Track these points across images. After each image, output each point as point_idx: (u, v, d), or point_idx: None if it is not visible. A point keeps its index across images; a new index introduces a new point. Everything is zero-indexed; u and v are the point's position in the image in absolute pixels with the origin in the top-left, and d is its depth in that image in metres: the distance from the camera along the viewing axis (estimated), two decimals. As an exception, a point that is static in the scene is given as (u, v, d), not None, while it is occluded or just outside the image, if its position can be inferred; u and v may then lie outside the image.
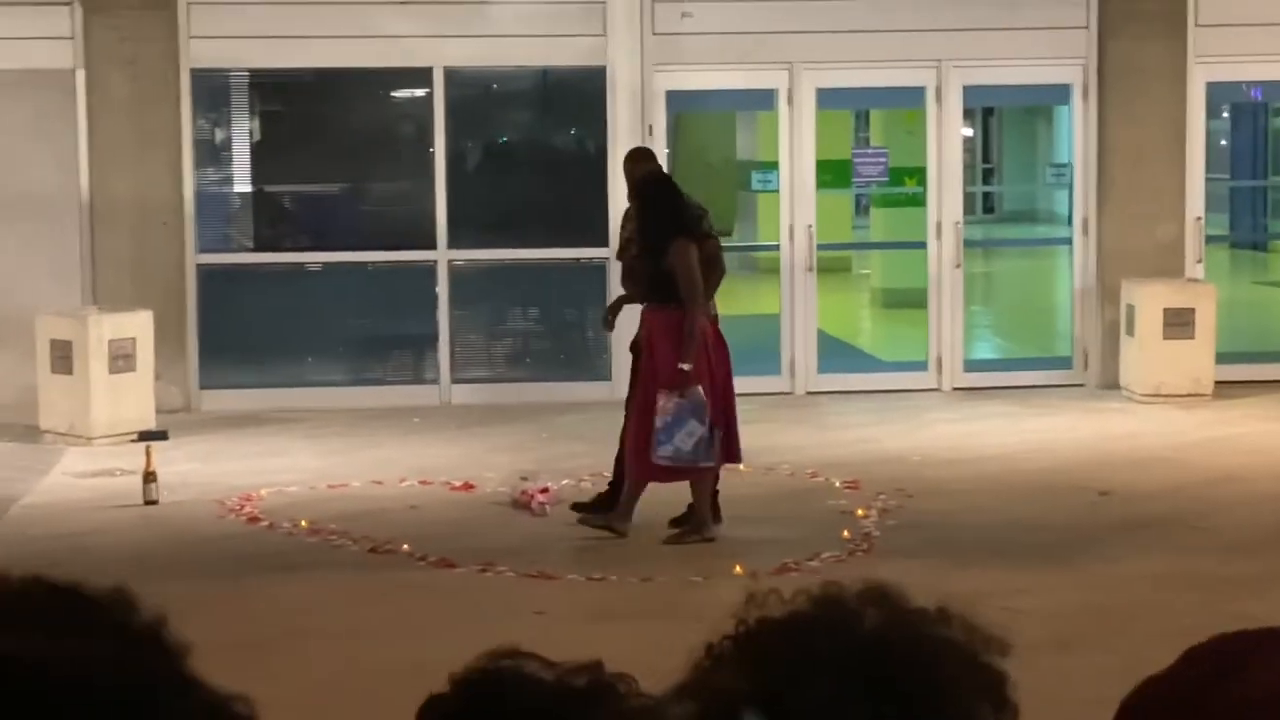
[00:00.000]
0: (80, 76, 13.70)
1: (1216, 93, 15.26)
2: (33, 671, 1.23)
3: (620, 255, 10.03)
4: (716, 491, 9.56)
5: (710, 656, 1.41)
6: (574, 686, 1.37)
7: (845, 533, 9.54)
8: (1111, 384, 14.14)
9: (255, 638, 7.72)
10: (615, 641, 7.51)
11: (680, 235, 9.21)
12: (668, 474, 9.32)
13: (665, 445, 9.11)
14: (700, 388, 9.15)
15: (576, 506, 9.75)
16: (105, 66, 13.69)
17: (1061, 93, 14.96)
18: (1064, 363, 14.84)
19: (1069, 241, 15.02)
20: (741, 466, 10.05)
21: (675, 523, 9.56)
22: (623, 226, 10.08)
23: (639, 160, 9.91)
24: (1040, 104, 23.95)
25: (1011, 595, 8.20)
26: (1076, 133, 14.72)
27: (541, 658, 1.40)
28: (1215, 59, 14.48)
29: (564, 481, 10.66)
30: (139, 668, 1.29)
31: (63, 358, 12.64)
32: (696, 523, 9.35)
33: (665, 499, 9.59)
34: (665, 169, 9.86)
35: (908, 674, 1.36)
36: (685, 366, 9.11)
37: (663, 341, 9.21)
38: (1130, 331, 13.93)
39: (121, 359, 12.71)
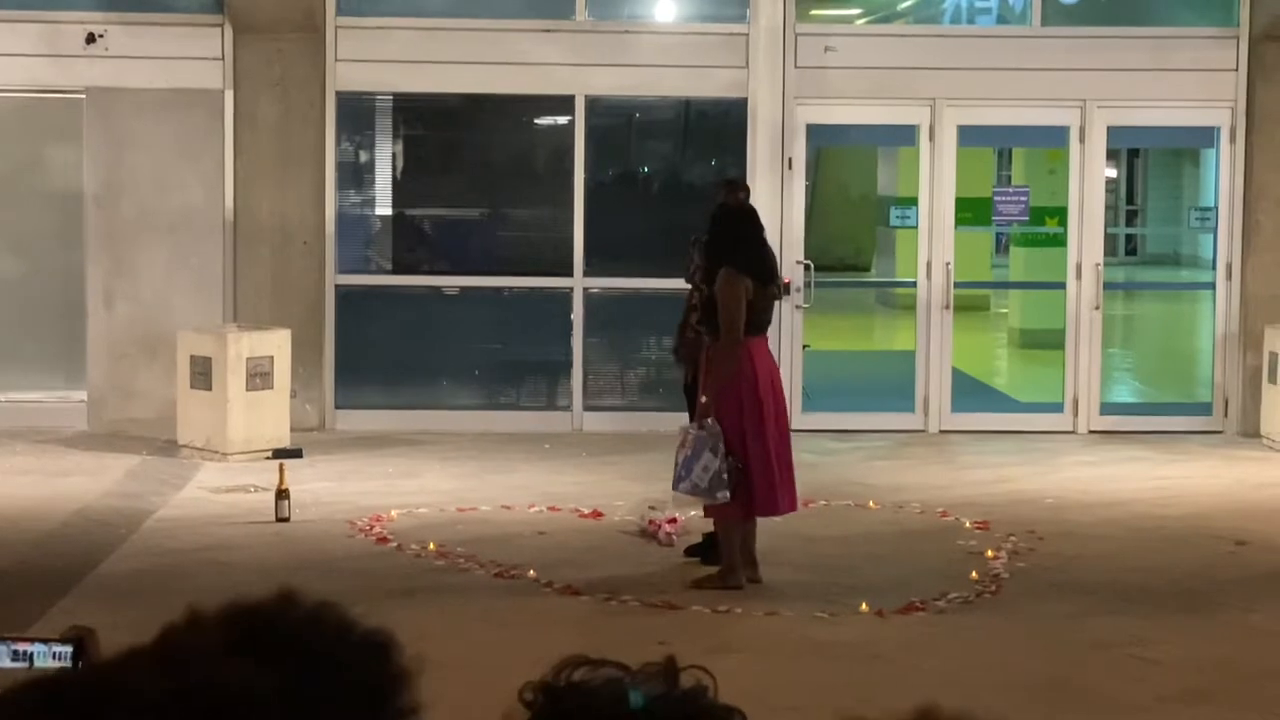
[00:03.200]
0: (229, 97, 13.91)
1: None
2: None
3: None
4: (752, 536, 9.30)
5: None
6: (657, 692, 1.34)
7: (974, 574, 9.44)
8: (1252, 432, 13.91)
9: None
10: (736, 676, 7.49)
11: (730, 265, 9.05)
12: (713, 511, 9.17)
13: (685, 480, 8.97)
14: (712, 420, 8.88)
15: (690, 551, 9.70)
16: (253, 88, 13.89)
17: (1208, 135, 14.76)
18: (1204, 409, 14.61)
19: (1211, 286, 14.80)
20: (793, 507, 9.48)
21: (691, 551, 9.54)
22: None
23: (728, 190, 9.85)
24: (1186, 146, 23.65)
25: (1142, 644, 8.08)
26: (1223, 176, 14.51)
27: (615, 661, 1.38)
28: (1368, 104, 14.22)
29: (692, 512, 10.63)
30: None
31: (202, 374, 12.82)
32: (723, 569, 9.07)
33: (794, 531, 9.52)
34: (749, 203, 9.79)
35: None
36: (703, 399, 8.98)
37: (709, 373, 9.10)
38: (1273, 379, 13.69)
39: (259, 377, 12.86)
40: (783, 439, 9.16)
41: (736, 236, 9.19)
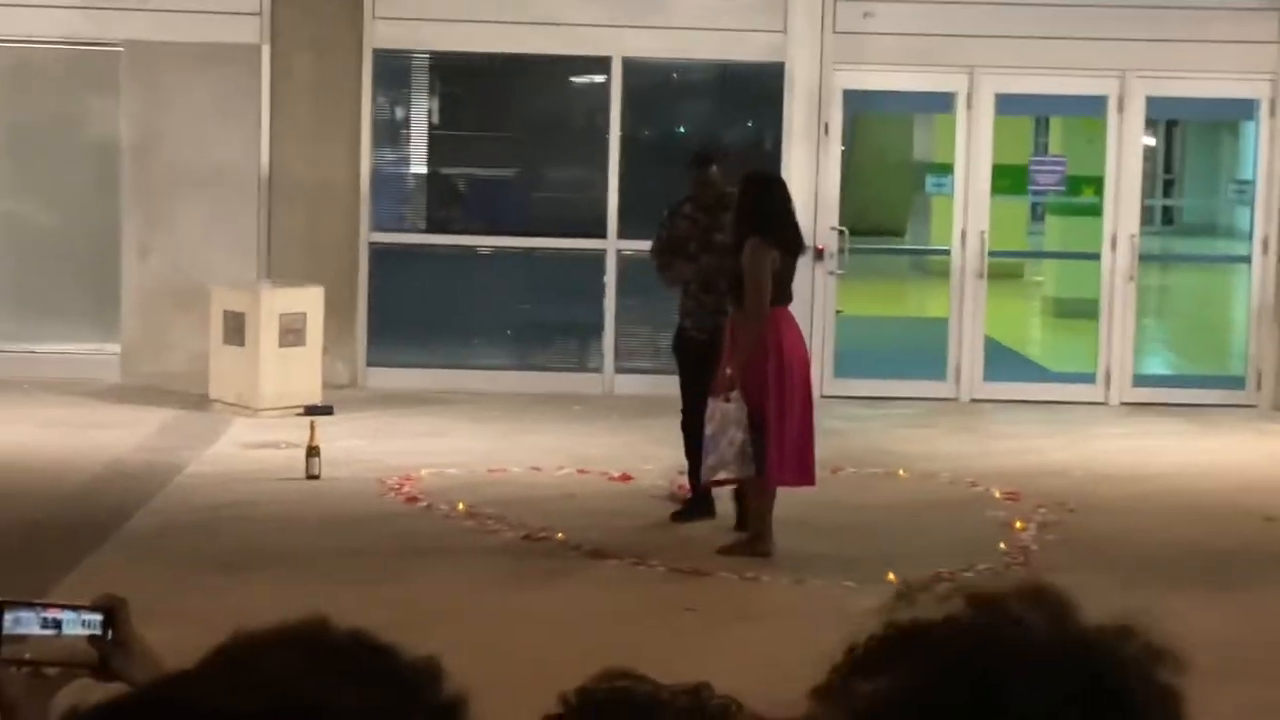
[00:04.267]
0: (265, 53, 13.90)
1: None
2: None
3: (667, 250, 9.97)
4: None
5: (853, 659, 1.32)
6: (687, 710, 1.33)
7: (1002, 545, 9.43)
8: (1285, 407, 13.85)
9: (404, 618, 7.77)
10: (762, 643, 7.50)
11: (757, 236, 9.00)
12: (721, 482, 9.21)
13: (712, 454, 8.96)
14: (738, 393, 8.86)
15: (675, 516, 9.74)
16: (290, 44, 13.88)
17: (1247, 107, 14.67)
18: (1237, 382, 14.55)
19: (1248, 259, 14.72)
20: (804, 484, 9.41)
21: (677, 515, 9.68)
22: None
23: (698, 163, 9.94)
24: (1225, 118, 23.50)
25: (1170, 618, 8.03)
26: (1261, 149, 14.42)
27: (650, 679, 1.36)
28: None
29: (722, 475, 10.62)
30: None
31: (235, 329, 12.85)
32: (753, 536, 9.09)
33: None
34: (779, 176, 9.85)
35: (1076, 689, 1.28)
36: (729, 371, 8.97)
37: (735, 345, 9.06)
38: (1307, 354, 13.62)
39: (291, 333, 12.89)
40: (805, 411, 9.14)
41: (761, 207, 9.14)
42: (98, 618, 2.15)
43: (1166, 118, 25.87)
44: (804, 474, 9.15)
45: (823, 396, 13.55)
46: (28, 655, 2.13)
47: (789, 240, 9.14)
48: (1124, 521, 10.15)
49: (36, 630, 2.15)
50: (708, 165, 9.99)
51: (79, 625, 2.15)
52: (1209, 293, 21.85)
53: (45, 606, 2.17)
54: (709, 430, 8.96)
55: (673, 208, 10.11)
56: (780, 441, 8.96)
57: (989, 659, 1.27)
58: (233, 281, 13.32)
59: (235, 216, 13.96)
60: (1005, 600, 1.31)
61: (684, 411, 9.89)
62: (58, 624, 2.15)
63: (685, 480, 10.03)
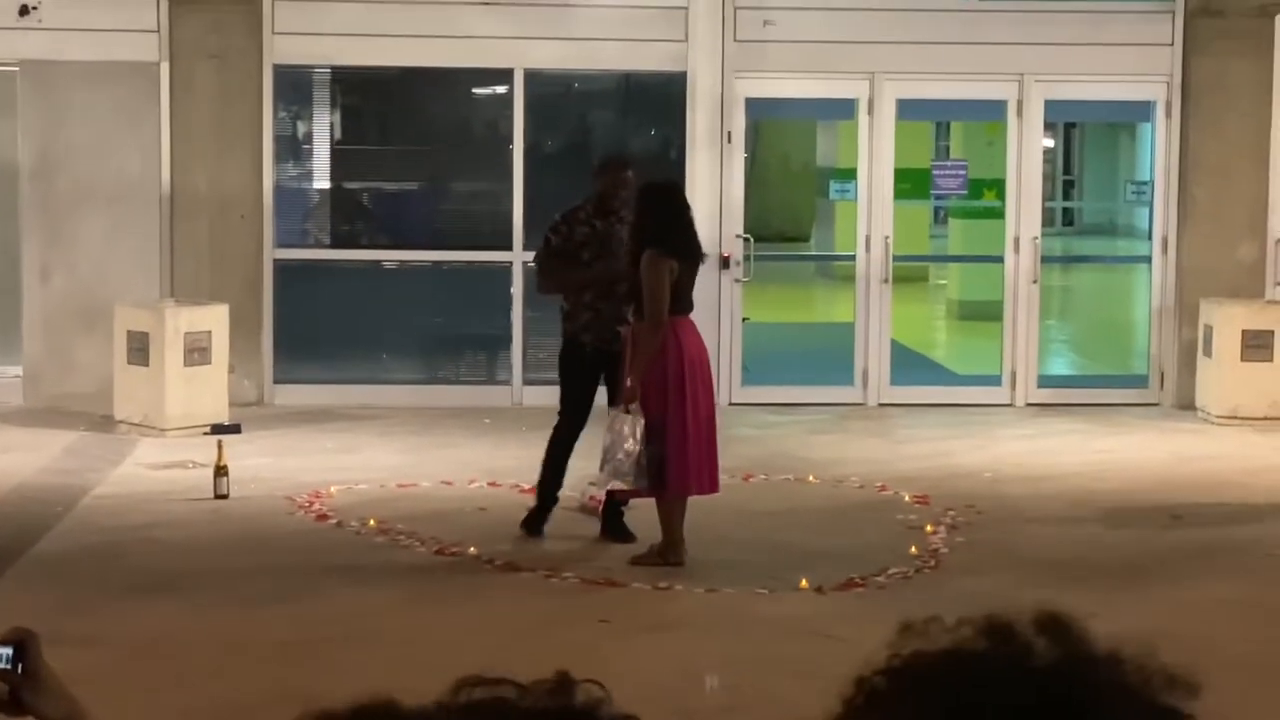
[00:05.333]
0: (164, 69, 13.80)
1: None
2: None
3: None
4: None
5: (863, 693, 1.32)
6: (548, 711, 1.33)
7: (913, 548, 9.48)
8: (1187, 404, 14.02)
9: (316, 636, 7.75)
10: (676, 653, 7.52)
11: (654, 247, 8.93)
12: (617, 493, 9.21)
13: (607, 465, 8.94)
14: (636, 405, 8.86)
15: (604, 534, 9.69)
16: (190, 60, 13.79)
17: (1144, 109, 14.85)
18: (1140, 381, 14.72)
19: (1148, 259, 14.90)
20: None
21: (604, 534, 9.61)
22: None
23: (601, 173, 9.87)
24: (1123, 120, 23.78)
25: (1081, 617, 8.13)
26: (1159, 150, 14.60)
27: (513, 681, 1.36)
28: (1302, 79, 14.33)
29: (624, 488, 10.63)
30: None
31: (139, 349, 12.74)
32: (663, 545, 9.05)
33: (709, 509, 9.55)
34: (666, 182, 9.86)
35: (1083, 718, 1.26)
36: (629, 381, 8.94)
37: (634, 356, 9.02)
38: (1208, 352, 13.81)
39: (197, 352, 12.79)
40: (709, 419, 9.14)
41: (659, 217, 9.10)
42: (7, 651, 2.13)
43: (1065, 120, 26.17)
44: (709, 482, 9.16)
45: (730, 404, 13.63)
46: None
47: (686, 249, 9.12)
48: (1032, 522, 10.24)
49: None
50: (626, 168, 9.90)
51: None
52: (1110, 293, 22.08)
53: None
54: (606, 441, 8.96)
55: (566, 214, 9.81)
56: (683, 450, 8.97)
57: (996, 690, 1.26)
58: (136, 301, 13.20)
59: (137, 235, 13.84)
60: (1014, 628, 1.30)
61: (566, 425, 9.74)
62: None
63: (598, 493, 9.99)
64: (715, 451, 9.23)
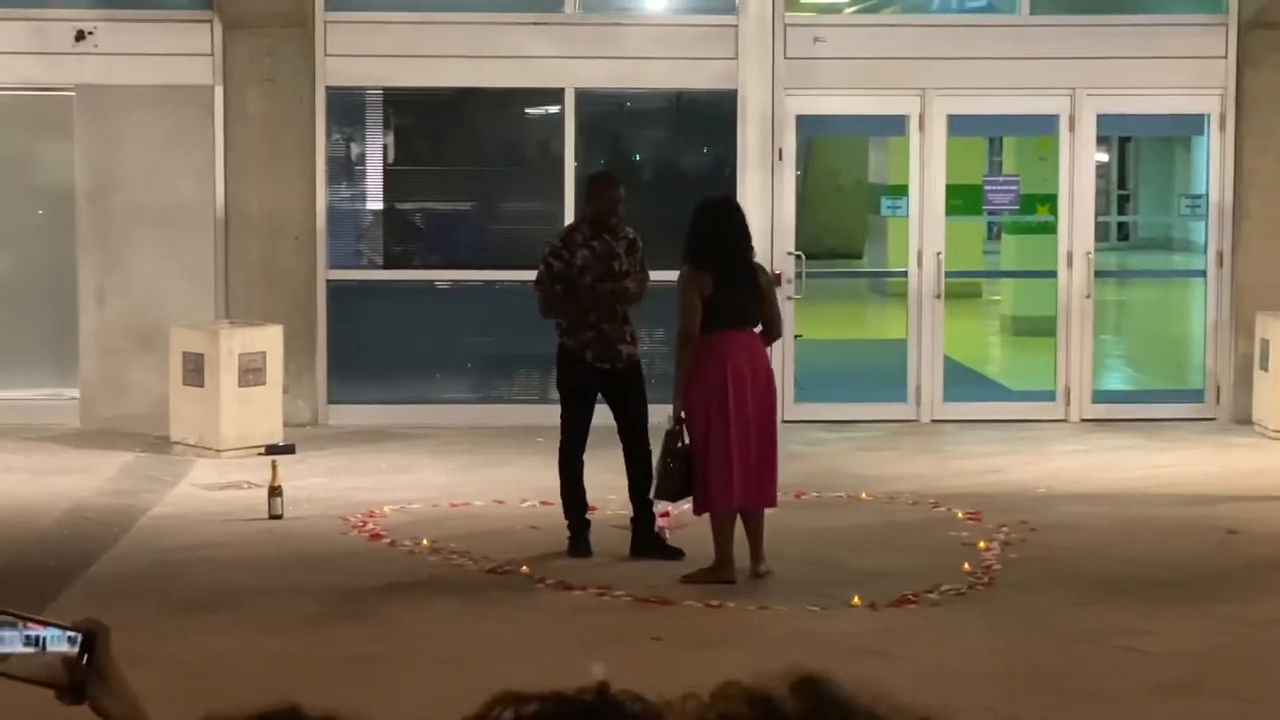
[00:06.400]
0: (219, 93, 13.90)
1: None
2: None
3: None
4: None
5: None
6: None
7: (966, 565, 9.45)
8: (1244, 419, 13.93)
9: (370, 655, 7.77)
10: (727, 670, 7.50)
11: (687, 262, 9.14)
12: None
13: (655, 478, 9.28)
14: (670, 419, 9.07)
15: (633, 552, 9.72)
16: (243, 83, 13.89)
17: (1198, 123, 14.77)
18: (1195, 396, 14.63)
19: (1203, 273, 14.82)
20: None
21: (634, 551, 9.70)
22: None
23: (593, 186, 9.96)
24: (1176, 134, 23.66)
25: (1134, 635, 8.10)
26: (1213, 164, 14.53)
27: (543, 695, 1.39)
28: (1357, 91, 14.24)
29: (684, 505, 10.63)
30: None
31: (194, 370, 12.82)
32: (715, 564, 9.10)
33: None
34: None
35: None
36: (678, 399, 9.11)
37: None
38: (1264, 366, 13.71)
39: (251, 373, 12.86)
40: (761, 435, 9.12)
41: (697, 231, 9.19)
42: (79, 636, 2.18)
43: (1117, 134, 26.05)
44: (758, 497, 9.12)
45: (783, 421, 13.57)
46: (3, 669, 2.17)
47: (721, 263, 9.09)
48: (1087, 538, 10.19)
49: (19, 648, 2.18)
50: (618, 185, 9.96)
51: (63, 641, 2.19)
52: (1165, 307, 21.96)
53: (28, 623, 2.20)
54: (656, 454, 9.20)
55: (565, 237, 9.86)
56: (724, 467, 8.99)
57: None
58: (191, 322, 13.29)
59: (192, 257, 13.94)
60: (769, 696, 1.34)
61: (570, 443, 9.76)
62: (40, 641, 2.19)
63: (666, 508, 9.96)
64: (770, 467, 9.20)
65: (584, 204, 9.94)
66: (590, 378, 9.67)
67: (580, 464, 9.78)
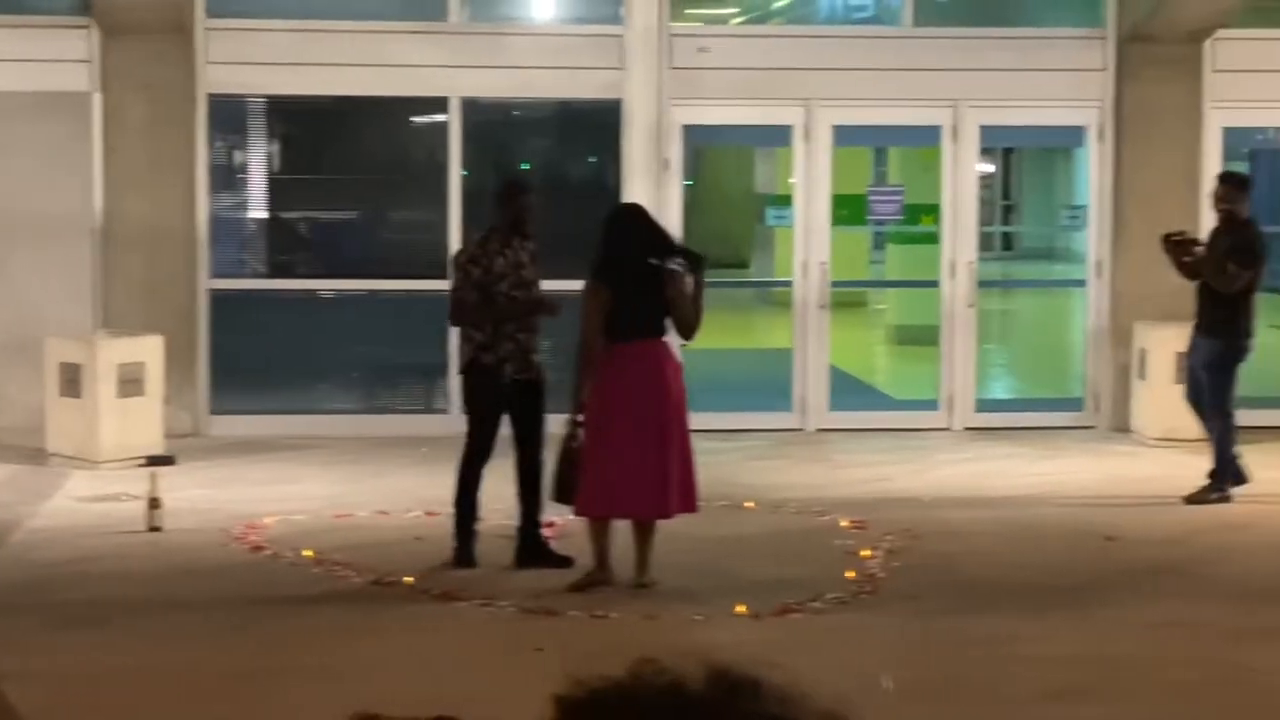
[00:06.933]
0: (97, 100, 13.72)
1: (1233, 137, 15.22)
2: None
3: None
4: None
5: None
6: None
7: (850, 574, 9.49)
8: (1123, 427, 14.10)
9: (252, 670, 7.68)
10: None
11: (591, 276, 9.13)
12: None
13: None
14: (566, 423, 9.16)
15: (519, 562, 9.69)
16: (122, 90, 13.71)
17: (1077, 135, 14.94)
18: (1076, 404, 14.79)
19: (1083, 283, 14.98)
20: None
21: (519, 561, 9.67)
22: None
23: (505, 194, 9.87)
24: (1057, 146, 23.92)
25: (1017, 641, 8.16)
26: (1092, 175, 14.70)
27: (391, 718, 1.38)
28: (1231, 104, 14.47)
29: (569, 516, 10.59)
30: None
31: (71, 381, 12.64)
32: (593, 568, 9.17)
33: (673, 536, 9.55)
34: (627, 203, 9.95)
35: None
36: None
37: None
38: (1142, 375, 13.89)
39: (130, 383, 12.70)
40: (664, 445, 9.07)
41: (602, 243, 9.17)
42: None
43: (999, 146, 26.31)
44: (609, 506, 9.09)
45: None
46: None
47: (616, 276, 9.04)
48: (969, 545, 10.26)
49: None
50: (530, 191, 9.92)
51: None
52: (1047, 317, 22.20)
53: None
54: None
55: (481, 244, 9.70)
56: (601, 473, 8.98)
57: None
58: (67, 332, 13.10)
59: (69, 267, 13.75)
60: (665, 668, 1.39)
61: (478, 454, 9.70)
62: None
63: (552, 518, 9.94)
64: (670, 478, 9.10)
65: (495, 211, 9.81)
66: (506, 391, 9.62)
67: (481, 477, 9.72)
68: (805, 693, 1.35)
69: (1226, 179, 12.02)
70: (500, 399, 9.64)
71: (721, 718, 1.32)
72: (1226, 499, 11.48)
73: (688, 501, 9.23)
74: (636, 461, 8.97)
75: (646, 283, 9.06)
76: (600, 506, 9.09)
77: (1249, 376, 12.18)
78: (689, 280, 9.12)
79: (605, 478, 8.98)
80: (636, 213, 9.60)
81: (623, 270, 9.03)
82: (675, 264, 9.08)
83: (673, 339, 9.28)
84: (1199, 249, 11.60)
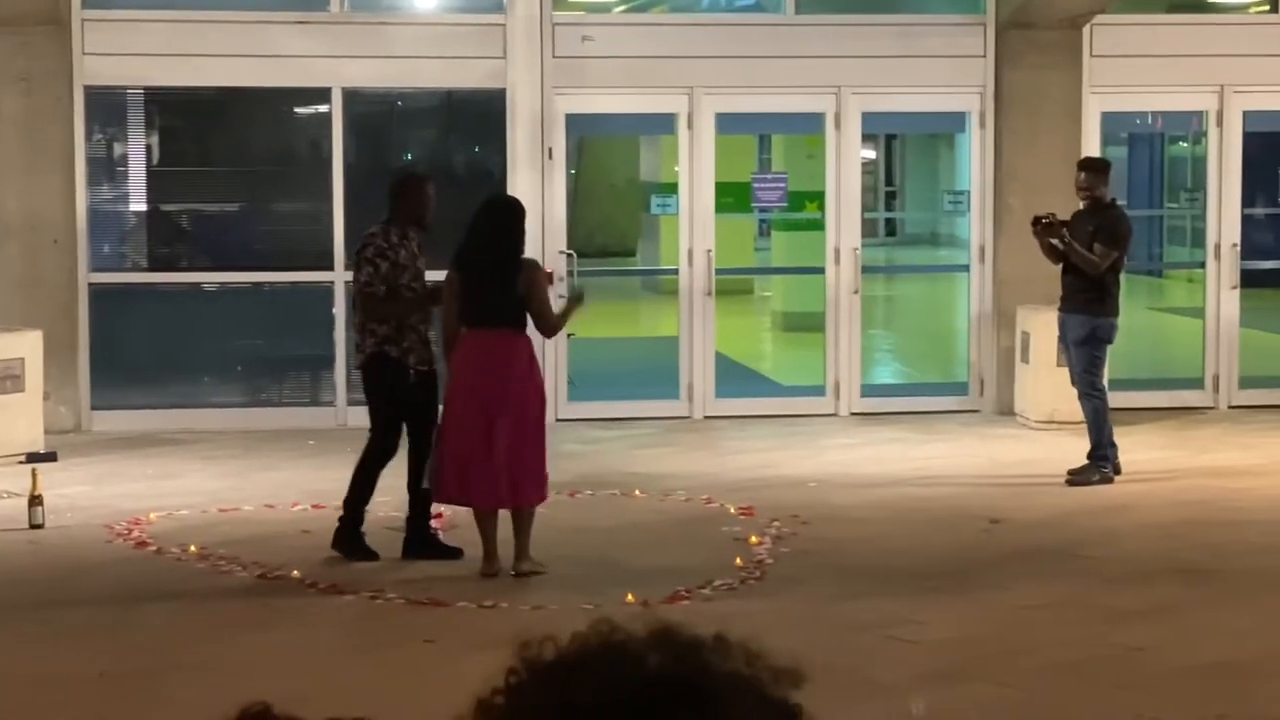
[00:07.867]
0: (-28, 92, 13.51)
1: (1112, 122, 15.42)
2: None
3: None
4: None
5: (481, 713, 1.35)
6: None
7: (738, 560, 9.52)
8: (1007, 410, 14.25)
9: (136, 667, 7.61)
10: (500, 671, 7.46)
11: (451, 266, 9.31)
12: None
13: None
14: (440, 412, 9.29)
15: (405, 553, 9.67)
16: (-3, 82, 13.52)
17: (959, 120, 15.06)
18: (960, 389, 14.93)
19: (966, 268, 15.12)
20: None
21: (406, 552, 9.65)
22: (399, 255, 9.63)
23: (402, 187, 9.87)
24: (939, 131, 24.12)
25: (903, 624, 8.22)
26: (973, 160, 14.83)
27: (289, 715, 1.37)
28: (1110, 89, 14.64)
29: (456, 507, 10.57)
30: None
31: (-51, 378, 12.45)
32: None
33: (562, 524, 9.55)
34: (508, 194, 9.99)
35: (691, 715, 1.30)
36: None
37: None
38: (1025, 358, 14.03)
39: (9, 379, 12.53)
40: (515, 433, 9.06)
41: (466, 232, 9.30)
42: None
43: (883, 132, 26.49)
44: (460, 494, 9.15)
45: (557, 419, 13.59)
46: None
47: (466, 264, 9.16)
48: (855, 530, 10.33)
49: None
50: (430, 183, 9.88)
51: None
52: (931, 302, 22.38)
53: None
54: None
55: (385, 236, 9.55)
56: (445, 459, 9.12)
57: (606, 686, 1.33)
58: (-54, 329, 12.91)
59: (-54, 261, 13.53)
60: (618, 637, 1.37)
61: (383, 446, 9.64)
62: None
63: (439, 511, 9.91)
64: (522, 466, 9.09)
65: (393, 203, 9.73)
66: (410, 382, 9.56)
67: (382, 469, 9.66)
68: (763, 650, 1.36)
69: (1086, 165, 12.17)
70: (403, 391, 9.59)
71: (684, 672, 1.32)
72: (1109, 480, 11.62)
73: (532, 492, 9.20)
74: (468, 450, 9.01)
75: (495, 272, 9.07)
76: (448, 492, 9.22)
77: (1123, 358, 12.34)
78: (549, 274, 9.30)
79: (457, 465, 9.08)
80: (496, 205, 9.61)
81: (467, 258, 9.14)
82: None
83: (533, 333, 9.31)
84: (1065, 231, 11.72)
